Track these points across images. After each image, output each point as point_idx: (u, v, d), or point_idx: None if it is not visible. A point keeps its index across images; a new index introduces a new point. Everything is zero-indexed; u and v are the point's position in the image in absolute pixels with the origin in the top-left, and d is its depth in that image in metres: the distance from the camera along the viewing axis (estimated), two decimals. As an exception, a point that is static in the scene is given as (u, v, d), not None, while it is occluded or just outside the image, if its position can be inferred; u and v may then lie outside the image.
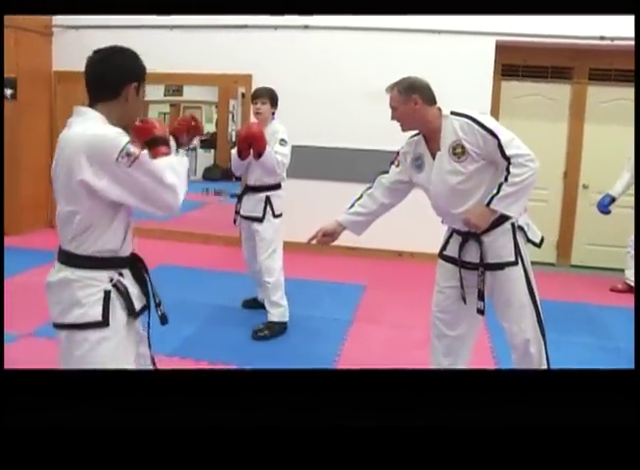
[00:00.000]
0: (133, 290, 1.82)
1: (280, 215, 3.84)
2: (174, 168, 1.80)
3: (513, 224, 2.45)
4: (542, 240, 2.57)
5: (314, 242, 2.78)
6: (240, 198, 3.97)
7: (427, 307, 3.50)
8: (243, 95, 6.88)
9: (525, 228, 2.50)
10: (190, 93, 11.64)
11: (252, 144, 3.62)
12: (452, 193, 2.46)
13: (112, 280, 1.75)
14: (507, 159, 2.32)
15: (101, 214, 1.72)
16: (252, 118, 5.88)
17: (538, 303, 2.48)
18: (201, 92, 11.54)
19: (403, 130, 2.55)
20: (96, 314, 1.71)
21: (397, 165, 2.70)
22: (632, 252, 4.86)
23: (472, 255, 2.51)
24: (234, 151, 3.82)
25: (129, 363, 1.80)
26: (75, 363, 1.73)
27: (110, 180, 1.67)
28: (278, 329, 3.78)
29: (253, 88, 5.83)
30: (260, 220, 3.80)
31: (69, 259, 1.75)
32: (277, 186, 3.84)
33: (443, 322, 2.64)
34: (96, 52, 1.81)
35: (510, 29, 5.37)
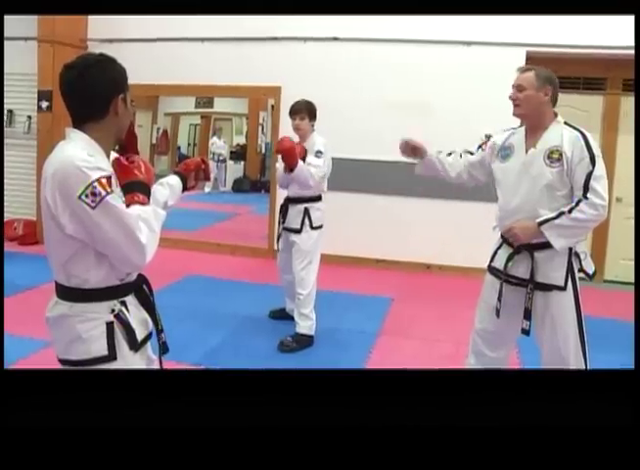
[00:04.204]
0: (139, 315, 1.70)
1: (319, 227, 3.84)
2: (149, 223, 1.58)
3: (571, 249, 2.38)
4: (595, 273, 2.49)
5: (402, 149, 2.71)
6: (281, 209, 3.99)
7: (455, 321, 3.45)
8: (272, 107, 6.93)
9: (582, 257, 2.42)
10: (220, 105, 11.78)
11: (283, 159, 3.62)
12: (528, 193, 2.40)
13: (113, 311, 1.59)
14: (586, 190, 2.27)
15: (79, 248, 1.53)
16: (282, 131, 5.95)
17: (585, 334, 2.39)
18: (231, 104, 11.67)
19: (514, 114, 2.49)
20: (101, 349, 1.57)
21: (484, 150, 2.66)
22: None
23: (519, 269, 2.43)
24: (279, 164, 3.82)
25: None
26: None
27: (70, 218, 1.48)
28: (305, 341, 3.77)
29: (282, 100, 5.93)
30: (298, 232, 3.80)
31: (64, 293, 1.60)
32: (316, 198, 3.84)
33: (485, 341, 2.57)
34: (70, 67, 1.56)
35: (540, 40, 5.33)
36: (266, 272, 5.22)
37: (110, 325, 1.58)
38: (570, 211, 2.28)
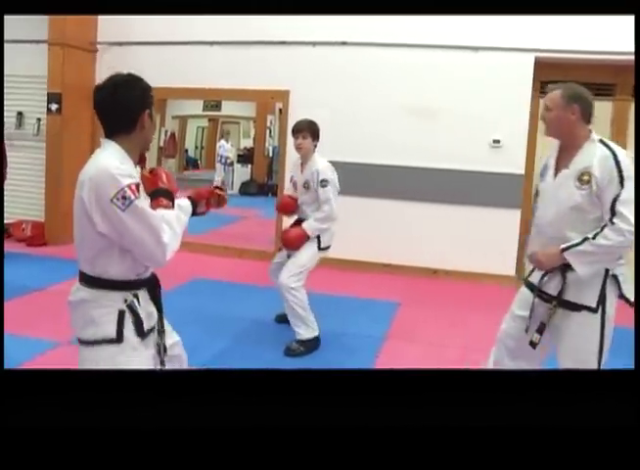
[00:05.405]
0: (147, 308, 1.89)
1: (326, 249, 3.82)
2: (171, 225, 1.82)
3: (607, 270, 2.28)
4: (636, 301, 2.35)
5: None
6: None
7: (461, 326, 3.44)
8: (280, 111, 6.95)
9: (620, 279, 2.30)
10: (228, 108, 11.82)
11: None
12: (558, 215, 2.32)
13: (126, 301, 1.81)
14: (612, 213, 2.17)
15: (106, 245, 1.75)
16: (290, 135, 5.95)
17: (603, 360, 2.29)
18: (239, 107, 11.70)
19: (546, 134, 2.41)
20: (110, 332, 1.78)
21: None
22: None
23: (551, 286, 2.36)
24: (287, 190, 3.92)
25: None
26: None
27: (102, 218, 1.69)
28: (311, 345, 3.76)
29: (291, 104, 5.94)
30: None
31: (87, 281, 1.81)
32: None
33: (507, 349, 2.50)
34: (101, 88, 1.80)
35: (549, 46, 5.32)
36: (273, 276, 5.22)
37: (121, 313, 1.80)
38: (594, 237, 2.19)
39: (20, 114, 6.49)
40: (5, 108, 5.97)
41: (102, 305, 1.78)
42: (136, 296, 1.84)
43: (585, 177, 2.24)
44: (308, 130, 3.78)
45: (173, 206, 1.92)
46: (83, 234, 1.77)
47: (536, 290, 2.41)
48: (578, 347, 2.30)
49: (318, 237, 3.78)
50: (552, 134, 2.40)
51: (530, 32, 5.36)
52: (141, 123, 1.80)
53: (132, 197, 1.67)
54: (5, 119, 6.20)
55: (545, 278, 2.39)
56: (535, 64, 5.45)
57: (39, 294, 4.59)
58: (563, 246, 2.26)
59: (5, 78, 5.54)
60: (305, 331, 3.75)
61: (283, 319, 4.24)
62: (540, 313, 2.39)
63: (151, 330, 1.92)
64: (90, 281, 1.80)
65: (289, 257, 3.88)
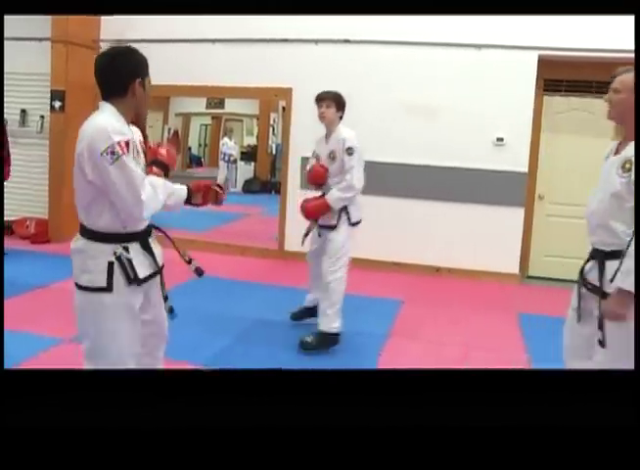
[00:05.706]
0: (143, 260, 2.04)
1: (357, 223, 3.77)
2: (154, 187, 1.97)
3: None
4: None
5: None
6: None
7: (463, 324, 3.42)
8: (283, 108, 6.94)
9: None
10: (231, 106, 11.84)
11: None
12: (601, 202, 2.26)
13: (115, 253, 1.96)
14: None
15: (96, 195, 1.92)
16: (293, 132, 5.96)
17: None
18: (242, 105, 11.72)
19: (608, 117, 2.33)
20: (101, 281, 1.94)
21: None
22: None
23: (593, 275, 2.29)
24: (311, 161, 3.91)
25: (132, 327, 2.02)
26: (86, 324, 2.00)
27: (92, 169, 1.87)
28: (330, 341, 3.69)
29: (294, 101, 5.94)
30: (334, 227, 3.73)
31: (83, 231, 1.99)
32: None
33: (565, 345, 2.41)
34: (102, 55, 2.01)
35: (552, 44, 5.30)
36: (276, 273, 5.22)
37: (110, 264, 1.96)
38: (627, 247, 2.10)
39: (23, 111, 6.49)
40: (9, 105, 5.98)
41: (94, 256, 1.95)
42: (126, 248, 1.98)
43: (627, 165, 2.17)
44: (332, 99, 3.73)
45: (166, 176, 2.14)
46: (77, 185, 1.95)
47: (582, 279, 2.35)
48: (612, 339, 2.21)
49: (347, 212, 3.71)
50: (614, 117, 2.32)
51: (534, 30, 5.34)
52: (132, 91, 1.97)
53: (120, 152, 1.84)
54: (9, 117, 6.22)
55: (587, 267, 2.34)
56: (539, 61, 5.43)
57: (42, 291, 4.61)
58: (613, 284, 2.16)
59: (8, 76, 5.55)
60: (330, 321, 3.68)
61: (298, 316, 4.17)
62: (588, 304, 2.31)
63: (144, 279, 2.04)
64: (85, 232, 1.98)
65: (319, 235, 3.85)
